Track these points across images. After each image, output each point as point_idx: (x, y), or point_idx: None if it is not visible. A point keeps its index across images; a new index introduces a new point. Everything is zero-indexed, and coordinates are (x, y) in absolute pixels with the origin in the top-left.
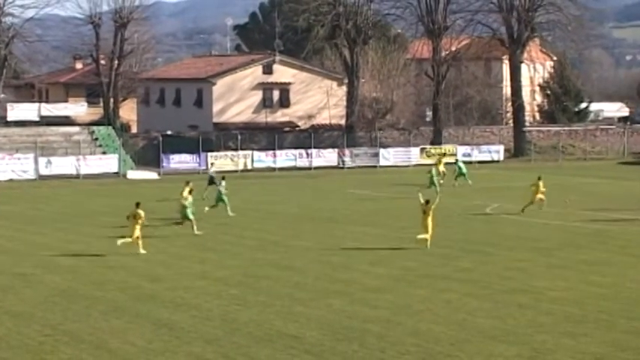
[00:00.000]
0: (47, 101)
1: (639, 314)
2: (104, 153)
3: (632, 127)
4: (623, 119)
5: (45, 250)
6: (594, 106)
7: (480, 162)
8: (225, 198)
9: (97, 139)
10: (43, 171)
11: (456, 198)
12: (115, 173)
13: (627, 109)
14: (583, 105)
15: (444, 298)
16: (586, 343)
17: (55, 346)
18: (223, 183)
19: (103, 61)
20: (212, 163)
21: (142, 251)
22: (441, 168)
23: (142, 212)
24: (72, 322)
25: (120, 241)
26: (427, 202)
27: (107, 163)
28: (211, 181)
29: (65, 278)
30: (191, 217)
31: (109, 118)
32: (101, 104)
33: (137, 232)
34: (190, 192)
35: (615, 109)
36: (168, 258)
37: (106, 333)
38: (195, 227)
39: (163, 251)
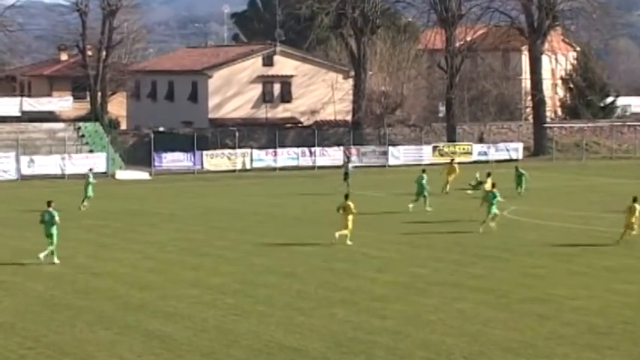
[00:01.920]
0: (30, 95)
1: None
2: (91, 151)
3: None
4: None
5: (26, 257)
6: (621, 101)
7: (497, 161)
8: (426, 192)
9: (83, 136)
10: (26, 171)
11: (470, 200)
12: (102, 173)
13: None
14: (609, 99)
15: (456, 307)
16: (611, 357)
17: (38, 359)
18: (425, 176)
19: (90, 52)
20: (348, 158)
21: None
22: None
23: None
24: (55, 333)
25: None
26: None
27: (95, 162)
28: (346, 176)
29: (48, 286)
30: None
31: (96, 114)
32: (88, 99)
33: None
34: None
35: None
36: (158, 264)
37: (92, 345)
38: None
39: (153, 257)
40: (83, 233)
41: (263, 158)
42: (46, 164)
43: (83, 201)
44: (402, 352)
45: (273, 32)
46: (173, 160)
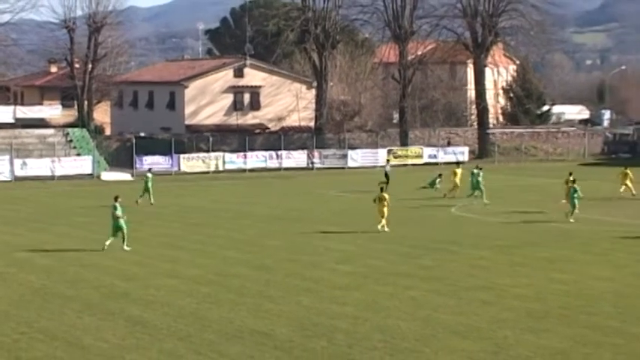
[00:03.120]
0: (22, 104)
1: (599, 310)
2: (78, 155)
3: (592, 129)
4: (583, 121)
5: (20, 250)
6: (556, 109)
7: (445, 163)
8: (482, 187)
9: (71, 141)
10: (19, 172)
11: (422, 199)
12: (89, 174)
13: (587, 112)
14: (545, 107)
15: (408, 295)
16: (547, 339)
17: (30, 343)
18: (481, 173)
19: (77, 65)
20: (388, 160)
21: None
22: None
23: None
24: (46, 319)
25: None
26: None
27: (81, 164)
28: (387, 177)
29: (40, 277)
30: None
31: (83, 121)
32: (75, 107)
33: None
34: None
35: (576, 112)
36: (141, 258)
37: (79, 330)
38: None
39: (136, 251)
40: (72, 229)
41: (234, 161)
42: (38, 166)
43: (142, 197)
44: (361, 335)
45: (243, 47)
46: (153, 162)
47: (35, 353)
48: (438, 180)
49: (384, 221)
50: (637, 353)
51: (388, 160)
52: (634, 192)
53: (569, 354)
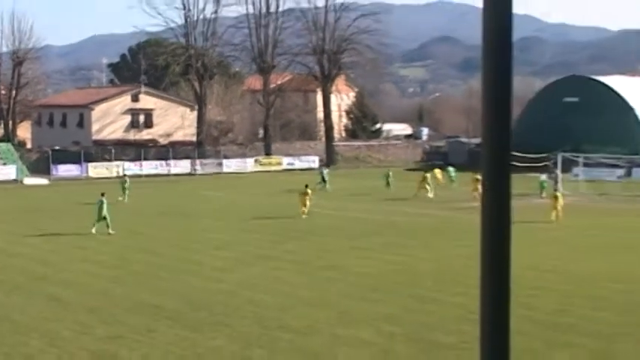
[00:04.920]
0: None
1: (420, 284)
2: (4, 164)
3: (413, 142)
4: (407, 136)
5: None
6: (386, 127)
7: (300, 169)
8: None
9: None
10: None
11: (281, 196)
12: (13, 180)
13: (410, 129)
14: (377, 125)
15: (273, 274)
16: (381, 306)
17: None
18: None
19: (3, 91)
20: (322, 166)
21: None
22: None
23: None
24: None
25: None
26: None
27: (7, 172)
28: (323, 179)
29: None
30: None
31: (8, 136)
32: (2, 125)
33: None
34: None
35: (401, 129)
36: (56, 246)
37: (8, 308)
38: None
39: (52, 241)
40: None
41: (132, 168)
42: None
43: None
44: (234, 307)
45: (138, 77)
46: (66, 170)
47: None
48: (390, 177)
49: (305, 210)
50: (448, 317)
51: (322, 166)
52: (477, 194)
53: (397, 317)
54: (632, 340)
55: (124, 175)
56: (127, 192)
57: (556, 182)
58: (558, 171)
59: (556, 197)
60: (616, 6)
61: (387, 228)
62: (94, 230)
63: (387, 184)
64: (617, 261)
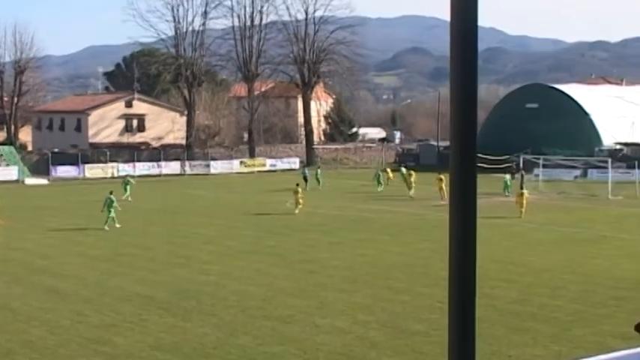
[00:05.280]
0: None
1: (393, 276)
2: (7, 165)
3: (387, 144)
4: (381, 139)
5: None
6: (361, 131)
7: (282, 170)
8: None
9: (1, 155)
10: None
11: (264, 195)
12: (15, 180)
13: (384, 132)
14: (354, 129)
15: (256, 267)
16: (356, 297)
17: None
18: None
19: (6, 98)
20: (304, 166)
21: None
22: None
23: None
24: None
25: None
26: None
27: (10, 172)
28: (305, 179)
29: None
30: None
31: (10, 140)
32: (5, 130)
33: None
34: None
35: (376, 132)
36: (54, 241)
37: (9, 297)
38: None
39: (51, 237)
40: (1, 221)
41: (126, 169)
42: None
43: (128, 195)
44: (221, 297)
45: (132, 85)
46: (65, 171)
47: None
48: (381, 176)
49: (300, 206)
50: (420, 305)
51: (304, 166)
52: (444, 197)
53: (372, 307)
54: (587, 326)
55: (127, 176)
56: (129, 191)
57: (522, 181)
58: (523, 171)
59: (522, 194)
60: (571, 20)
61: (360, 223)
62: (106, 227)
63: (379, 183)
64: (573, 254)
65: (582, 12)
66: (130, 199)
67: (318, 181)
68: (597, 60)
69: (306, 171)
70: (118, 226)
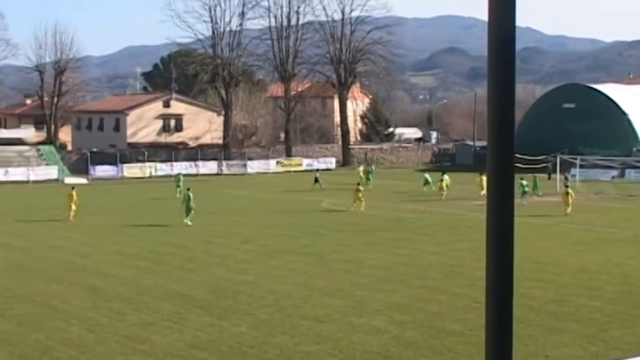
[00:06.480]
0: (5, 127)
1: (429, 275)
2: (47, 165)
3: (423, 145)
4: (417, 139)
5: (4, 236)
6: (398, 131)
7: (318, 170)
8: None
9: (42, 154)
10: (2, 178)
11: (300, 195)
12: (55, 179)
13: (420, 132)
14: (390, 129)
15: (292, 266)
16: (392, 296)
17: (12, 304)
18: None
19: (46, 98)
20: (317, 170)
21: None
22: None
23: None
24: (25, 287)
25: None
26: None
27: (49, 172)
28: (316, 180)
29: (19, 255)
30: None
31: (50, 140)
32: (45, 129)
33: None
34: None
35: (412, 132)
36: (92, 240)
37: (49, 295)
38: None
39: (89, 235)
40: (41, 221)
41: (164, 169)
42: (17, 174)
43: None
44: (257, 296)
45: (170, 85)
46: (103, 170)
47: (16, 311)
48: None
49: (362, 204)
50: (456, 305)
51: (317, 170)
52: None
53: (408, 307)
54: (624, 327)
55: (178, 174)
56: (179, 189)
57: (567, 180)
58: (566, 172)
59: (567, 193)
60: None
61: (396, 223)
62: (188, 222)
63: (426, 182)
64: (610, 254)
65: (620, 11)
66: (178, 195)
67: (369, 180)
68: (635, 59)
69: (317, 174)
70: (189, 223)
